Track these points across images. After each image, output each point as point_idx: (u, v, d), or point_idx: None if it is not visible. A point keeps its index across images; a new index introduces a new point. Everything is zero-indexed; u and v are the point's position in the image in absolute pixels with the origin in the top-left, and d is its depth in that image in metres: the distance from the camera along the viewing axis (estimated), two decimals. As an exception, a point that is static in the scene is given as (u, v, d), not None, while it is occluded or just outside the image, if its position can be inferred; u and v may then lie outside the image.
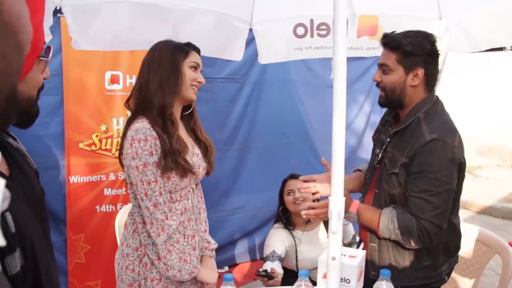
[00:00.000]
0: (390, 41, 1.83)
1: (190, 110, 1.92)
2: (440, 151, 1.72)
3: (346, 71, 1.25)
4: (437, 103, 1.88)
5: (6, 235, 0.81)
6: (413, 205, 1.74)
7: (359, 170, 2.24)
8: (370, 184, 2.01)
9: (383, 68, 1.85)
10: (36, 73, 0.95)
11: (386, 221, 1.77)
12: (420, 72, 1.81)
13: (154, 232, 1.74)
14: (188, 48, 1.85)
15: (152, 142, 1.69)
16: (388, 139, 1.91)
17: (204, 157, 1.93)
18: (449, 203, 1.76)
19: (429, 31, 1.86)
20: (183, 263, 1.78)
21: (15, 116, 0.75)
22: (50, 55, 0.97)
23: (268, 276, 2.36)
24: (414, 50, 1.79)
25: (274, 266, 2.57)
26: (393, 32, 1.87)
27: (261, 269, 2.42)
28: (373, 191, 1.95)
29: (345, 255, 1.61)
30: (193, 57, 1.84)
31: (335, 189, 1.36)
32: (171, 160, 1.72)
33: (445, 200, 1.74)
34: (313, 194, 1.96)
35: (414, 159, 1.73)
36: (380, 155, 1.93)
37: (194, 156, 1.87)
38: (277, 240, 2.75)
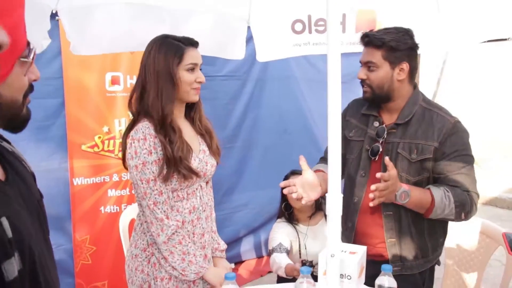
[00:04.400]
0: (373, 40, 1.89)
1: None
2: (464, 130, 1.90)
3: (340, 68, 1.25)
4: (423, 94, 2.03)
5: (3, 241, 0.82)
6: (457, 181, 1.85)
7: (320, 171, 2.09)
8: (366, 182, 1.99)
9: (369, 65, 1.91)
10: (18, 75, 0.89)
11: (440, 197, 1.81)
12: (405, 66, 1.90)
13: (154, 232, 1.75)
14: (183, 47, 1.78)
15: (151, 141, 1.70)
16: (386, 131, 1.94)
17: (210, 150, 1.92)
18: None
19: (428, 25, 1.91)
20: (188, 264, 1.78)
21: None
22: (32, 55, 0.92)
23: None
24: (398, 46, 1.87)
25: (282, 258, 2.59)
26: (371, 31, 1.96)
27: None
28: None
29: (345, 252, 1.62)
30: (189, 58, 1.78)
31: (332, 186, 1.37)
32: (174, 169, 1.73)
33: (473, 169, 1.91)
34: (298, 199, 1.88)
35: (446, 142, 1.85)
36: (379, 149, 1.94)
37: (201, 153, 1.86)
38: (282, 233, 2.78)
